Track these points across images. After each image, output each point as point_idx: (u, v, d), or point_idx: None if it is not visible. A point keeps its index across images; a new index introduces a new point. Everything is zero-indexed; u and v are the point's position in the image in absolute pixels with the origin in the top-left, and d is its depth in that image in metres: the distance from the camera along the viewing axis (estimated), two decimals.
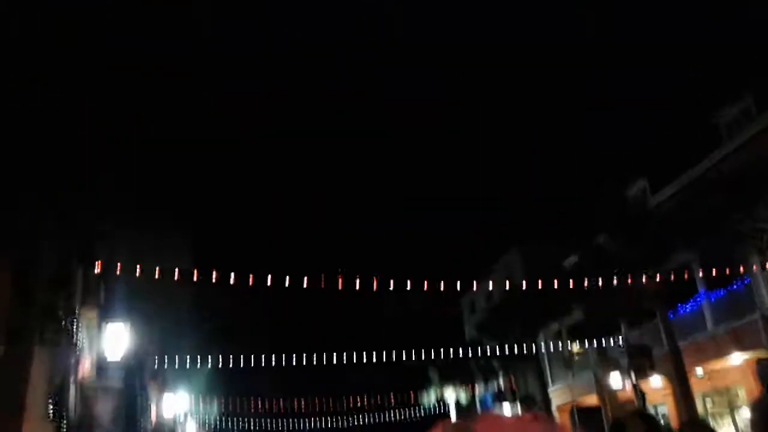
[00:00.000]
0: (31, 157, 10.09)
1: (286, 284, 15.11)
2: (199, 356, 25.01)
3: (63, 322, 12.76)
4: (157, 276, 14.34)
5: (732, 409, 22.19)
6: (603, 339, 24.39)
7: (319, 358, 26.26)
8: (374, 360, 26.27)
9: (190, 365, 25.97)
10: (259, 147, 77.02)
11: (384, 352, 26.92)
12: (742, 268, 18.85)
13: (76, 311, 13.67)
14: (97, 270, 14.62)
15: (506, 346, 28.41)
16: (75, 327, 13.20)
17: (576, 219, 26.01)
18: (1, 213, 10.76)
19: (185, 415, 30.75)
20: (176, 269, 14.38)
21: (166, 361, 23.23)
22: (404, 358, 26.90)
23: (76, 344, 13.17)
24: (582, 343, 26.48)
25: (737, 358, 20.22)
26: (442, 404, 35.84)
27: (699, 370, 21.55)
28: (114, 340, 14.34)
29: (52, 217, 11.51)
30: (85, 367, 14.76)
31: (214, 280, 14.54)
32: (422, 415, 35.92)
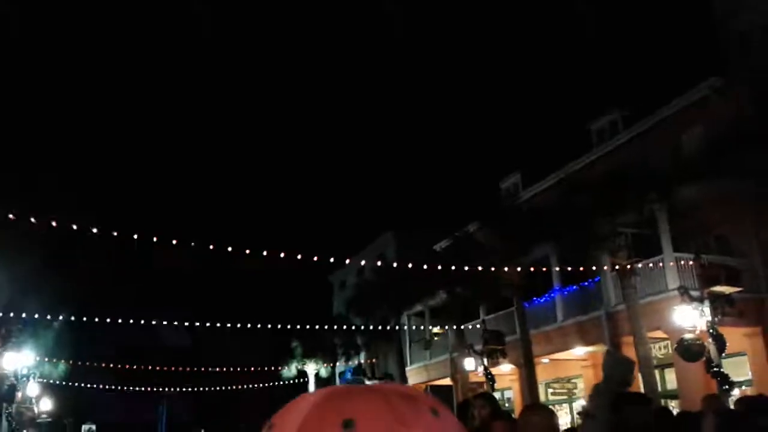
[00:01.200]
0: None
1: (136, 240, 14.38)
2: (47, 315, 23.63)
3: None
4: (8, 221, 13.21)
5: (570, 398, 23.91)
6: (462, 322, 25.39)
7: (174, 321, 25.48)
8: (234, 326, 25.91)
9: (37, 321, 24.51)
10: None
11: (248, 321, 26.62)
12: (594, 267, 20.19)
13: None
14: None
15: (370, 324, 28.91)
16: None
17: (451, 206, 26.82)
18: None
19: (29, 374, 28.96)
20: (30, 217, 13.31)
21: (10, 315, 21.76)
22: (262, 326, 26.73)
23: None
24: (442, 325, 27.43)
25: (580, 351, 21.72)
26: (302, 377, 35.99)
27: (545, 359, 22.95)
28: None
29: None
30: None
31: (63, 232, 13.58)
32: (282, 384, 35.91)
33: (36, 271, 20.56)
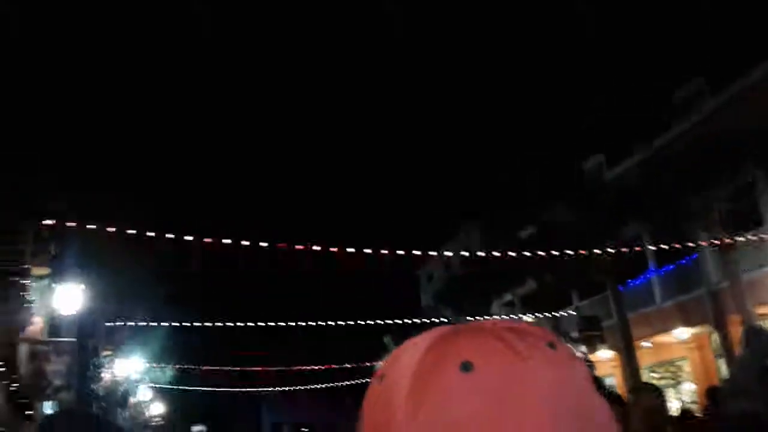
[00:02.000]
0: None
1: (242, 248, 14.92)
2: (155, 320, 24.76)
3: (12, 279, 12.48)
4: (111, 234, 14.03)
5: (676, 381, 23.05)
6: (555, 310, 24.95)
7: (271, 325, 26.22)
8: (327, 325, 26.41)
9: (144, 328, 25.72)
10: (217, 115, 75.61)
11: (339, 320, 27.10)
12: (690, 244, 19.41)
13: (27, 268, 13.37)
14: (48, 225, 14.26)
15: (460, 316, 28.86)
16: (25, 284, 12.92)
17: (533, 191, 26.29)
18: None
19: (139, 379, 30.54)
20: (132, 230, 14.09)
21: (121, 323, 22.95)
22: (357, 322, 27.13)
23: (25, 302, 12.91)
24: (534, 314, 27.04)
25: (683, 333, 20.92)
26: None
27: (646, 343, 22.25)
28: (67, 299, 14.09)
29: (4, 171, 11.16)
30: (36, 325, 14.50)
31: (168, 242, 14.29)
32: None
33: (144, 279, 21.63)
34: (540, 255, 20.85)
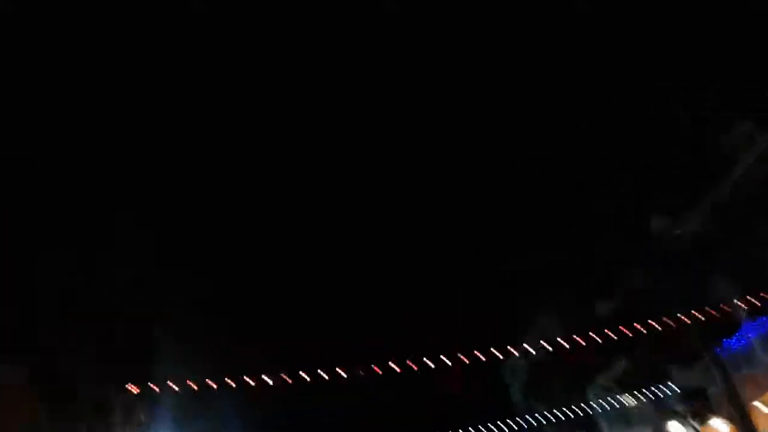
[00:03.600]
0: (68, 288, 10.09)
1: (339, 380, 14.81)
2: None
3: None
4: (194, 391, 14.07)
5: None
6: (654, 386, 23.57)
7: None
8: None
9: None
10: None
11: None
12: None
13: None
14: (134, 392, 14.37)
15: (554, 408, 27.51)
16: None
17: (599, 260, 25.52)
18: (46, 346, 10.75)
19: None
20: (213, 383, 14.12)
21: None
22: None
23: None
24: (633, 394, 25.59)
25: None
26: None
27: (760, 405, 20.64)
28: None
29: (92, 344, 11.45)
30: None
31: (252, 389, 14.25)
32: None
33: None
34: (623, 331, 19.98)
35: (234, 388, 14.49)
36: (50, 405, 11.09)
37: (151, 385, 14.69)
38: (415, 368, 18.00)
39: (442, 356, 18.08)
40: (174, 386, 13.89)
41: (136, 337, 13.93)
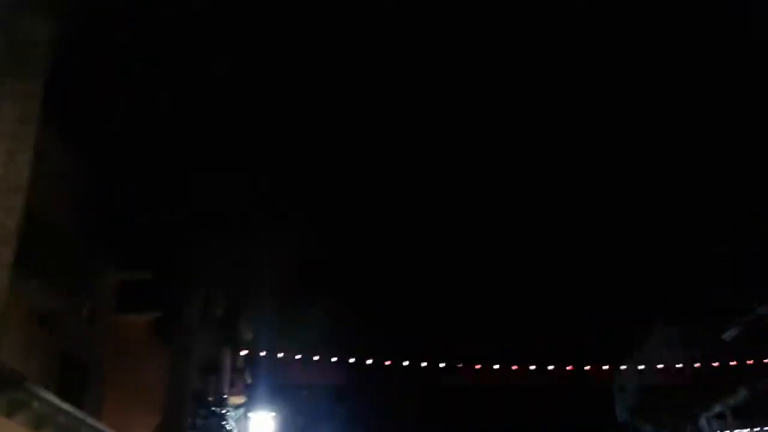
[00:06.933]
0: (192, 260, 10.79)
1: (418, 368, 14.99)
2: None
3: (213, 408, 13.26)
4: (299, 360, 14.73)
5: None
6: None
7: None
8: None
9: None
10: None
11: None
12: None
13: (225, 397, 14.21)
14: (243, 354, 15.23)
15: (662, 430, 26.18)
16: (224, 412, 13.67)
17: (733, 288, 23.93)
18: (167, 305, 11.53)
19: None
20: (316, 356, 14.74)
21: None
22: None
23: (225, 430, 13.58)
24: (752, 427, 23.85)
25: None
26: None
27: None
28: (260, 426, 14.66)
29: (207, 305, 12.19)
30: None
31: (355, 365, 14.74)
32: None
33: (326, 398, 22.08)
34: (747, 359, 18.73)
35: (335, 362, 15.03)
36: (172, 357, 11.85)
37: (261, 353, 15.55)
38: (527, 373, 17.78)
39: (551, 366, 17.75)
40: (279, 354, 14.62)
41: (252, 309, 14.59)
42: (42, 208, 8.42)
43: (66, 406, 7.86)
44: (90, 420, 8.46)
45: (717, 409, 24.91)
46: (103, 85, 9.02)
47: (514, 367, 17.29)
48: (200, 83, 9.82)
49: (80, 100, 8.90)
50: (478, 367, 16.95)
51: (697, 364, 19.87)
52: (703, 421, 25.77)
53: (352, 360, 15.05)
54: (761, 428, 22.49)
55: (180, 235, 10.78)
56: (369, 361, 14.96)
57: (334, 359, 14.76)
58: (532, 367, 16.44)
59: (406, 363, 15.14)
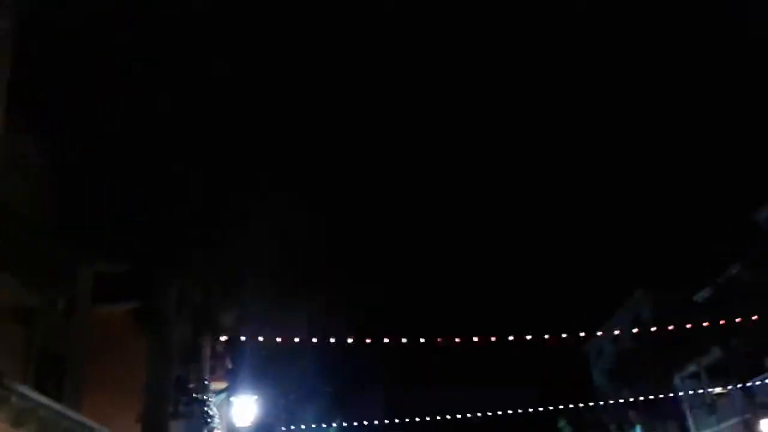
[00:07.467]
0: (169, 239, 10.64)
1: (400, 345, 15.06)
2: (325, 422, 25.00)
3: (194, 395, 13.17)
4: (279, 342, 14.67)
5: None
6: (748, 379, 22.47)
7: (441, 422, 25.55)
8: (500, 413, 25.34)
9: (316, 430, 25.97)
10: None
11: (508, 408, 26.00)
12: None
13: (206, 383, 14.13)
14: (223, 340, 15.12)
15: (639, 393, 26.74)
16: (205, 398, 13.60)
17: (703, 250, 24.42)
18: (144, 295, 11.41)
19: None
20: (297, 338, 14.70)
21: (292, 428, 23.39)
22: (528, 410, 25.78)
23: (207, 416, 13.53)
24: (724, 385, 24.49)
25: None
26: None
27: None
28: (242, 410, 14.62)
29: (184, 293, 12.04)
30: None
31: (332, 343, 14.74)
32: None
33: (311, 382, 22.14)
34: (719, 320, 19.12)
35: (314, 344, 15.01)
36: (151, 346, 11.74)
37: (241, 337, 15.44)
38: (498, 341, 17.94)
39: (527, 335, 17.92)
40: (260, 338, 14.54)
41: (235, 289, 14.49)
42: (14, 201, 8.23)
43: (45, 400, 7.75)
44: (70, 413, 8.36)
45: (691, 369, 25.54)
46: (81, 83, 8.83)
47: (493, 339, 17.44)
48: (198, 82, 9.69)
49: (54, 95, 8.71)
50: (458, 340, 17.09)
51: (670, 327, 20.24)
52: (677, 381, 26.43)
53: (332, 340, 15.05)
54: (734, 386, 23.11)
55: (156, 225, 10.62)
56: (350, 340, 14.99)
57: (314, 340, 14.76)
58: (510, 338, 16.60)
59: (386, 340, 15.19)
